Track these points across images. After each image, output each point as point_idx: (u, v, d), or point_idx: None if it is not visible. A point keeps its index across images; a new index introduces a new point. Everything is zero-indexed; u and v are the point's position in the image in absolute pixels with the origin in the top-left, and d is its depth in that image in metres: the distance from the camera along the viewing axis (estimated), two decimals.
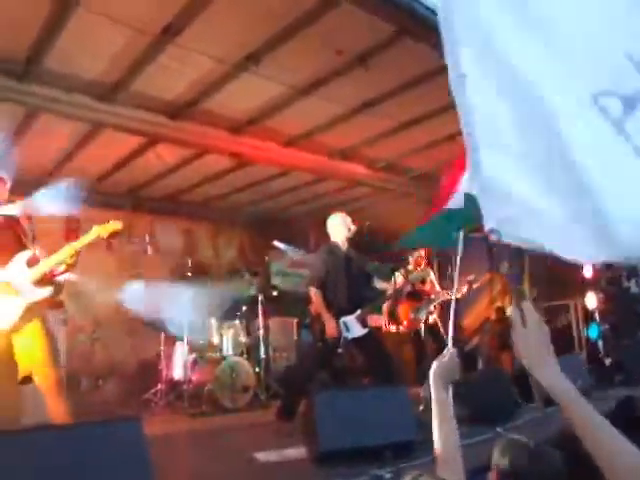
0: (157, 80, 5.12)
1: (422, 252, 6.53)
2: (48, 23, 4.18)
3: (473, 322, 8.73)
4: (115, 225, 3.85)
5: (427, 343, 6.32)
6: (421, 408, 4.69)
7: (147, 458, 2.40)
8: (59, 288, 6.91)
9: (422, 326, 6.26)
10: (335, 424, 3.48)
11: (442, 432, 1.73)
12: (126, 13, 4.20)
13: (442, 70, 5.07)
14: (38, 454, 2.10)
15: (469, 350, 8.31)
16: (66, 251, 3.65)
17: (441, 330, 6.15)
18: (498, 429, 4.14)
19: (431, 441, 3.78)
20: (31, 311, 3.60)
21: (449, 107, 6.04)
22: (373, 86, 5.51)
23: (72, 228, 7.44)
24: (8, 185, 3.87)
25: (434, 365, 1.85)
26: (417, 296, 6.40)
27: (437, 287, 6.45)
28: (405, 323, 6.49)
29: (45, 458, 2.11)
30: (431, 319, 6.29)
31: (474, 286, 5.91)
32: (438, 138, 6.77)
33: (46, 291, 3.68)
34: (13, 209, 3.81)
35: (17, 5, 4.01)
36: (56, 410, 3.55)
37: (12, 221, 3.87)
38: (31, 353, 3.58)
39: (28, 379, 3.71)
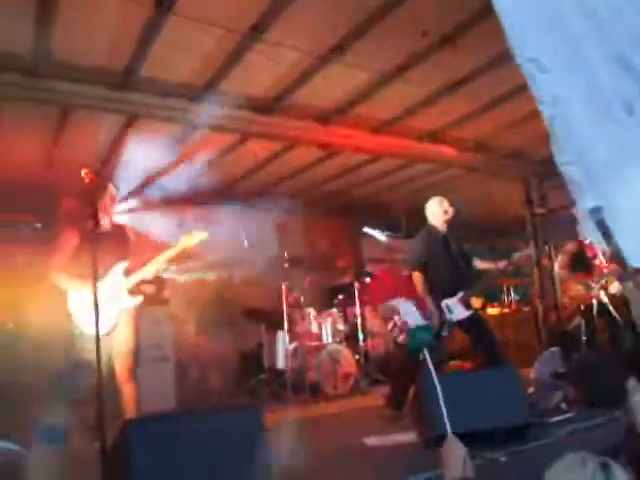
0: (246, 77, 5.21)
1: None
2: (144, 33, 4.36)
3: (573, 300, 8.42)
4: (201, 235, 4.18)
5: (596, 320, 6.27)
6: (531, 390, 4.59)
7: (264, 443, 2.55)
8: (163, 286, 7.31)
9: (594, 302, 6.19)
10: (446, 408, 3.46)
11: None
12: (215, 14, 4.30)
13: None
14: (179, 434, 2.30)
15: (571, 330, 8.02)
16: (157, 262, 4.12)
17: (611, 308, 6.08)
18: (615, 412, 3.99)
19: (546, 424, 3.70)
20: (124, 316, 4.05)
21: None
22: (460, 66, 5.37)
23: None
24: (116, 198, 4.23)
25: None
26: (586, 269, 6.35)
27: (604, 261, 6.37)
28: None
29: (183, 439, 2.30)
30: (602, 295, 6.19)
31: None
32: (527, 113, 6.53)
33: (137, 300, 4.13)
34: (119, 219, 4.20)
35: (115, 20, 4.21)
36: (128, 394, 3.97)
37: (118, 230, 4.25)
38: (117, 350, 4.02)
39: None
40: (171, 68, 5.05)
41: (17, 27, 4.21)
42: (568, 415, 4.24)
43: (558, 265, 6.78)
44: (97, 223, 3.49)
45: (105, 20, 4.20)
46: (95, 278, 3.24)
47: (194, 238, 4.22)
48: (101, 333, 3.64)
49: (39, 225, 7.00)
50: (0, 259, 6.73)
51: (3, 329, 5.40)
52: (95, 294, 3.22)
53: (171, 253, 4.16)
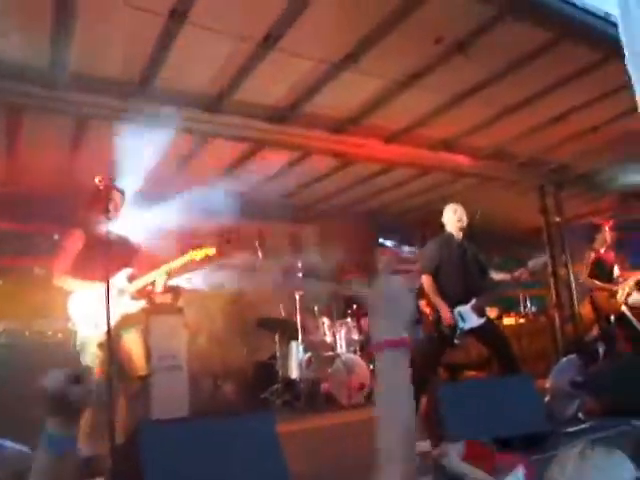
0: (259, 86, 5.24)
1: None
2: (158, 43, 4.41)
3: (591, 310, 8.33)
4: (209, 250, 4.39)
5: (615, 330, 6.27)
6: (547, 399, 4.52)
7: (280, 449, 2.53)
8: (178, 295, 7.34)
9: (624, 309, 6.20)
10: (461, 416, 3.42)
11: None
12: (228, 24, 4.34)
13: (544, 49, 4.85)
14: (192, 440, 2.29)
15: (589, 341, 7.92)
16: (161, 270, 4.16)
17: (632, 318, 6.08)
18: (634, 422, 3.92)
19: (561, 433, 3.63)
20: (127, 320, 4.07)
21: (553, 87, 5.80)
22: (474, 72, 5.36)
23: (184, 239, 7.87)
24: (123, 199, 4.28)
25: None
26: (606, 279, 6.41)
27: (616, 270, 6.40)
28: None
29: (197, 444, 2.29)
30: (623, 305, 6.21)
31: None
32: (543, 121, 6.51)
33: (140, 304, 4.17)
34: (123, 226, 4.27)
35: (131, 31, 4.26)
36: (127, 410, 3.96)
37: (124, 238, 4.31)
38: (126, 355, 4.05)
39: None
40: (185, 78, 5.09)
41: (35, 40, 4.28)
42: (585, 425, 4.17)
43: (584, 274, 6.72)
44: (109, 228, 3.54)
45: (121, 31, 4.25)
46: (106, 280, 3.28)
47: (201, 252, 4.29)
48: (100, 336, 3.70)
49: (57, 236, 7.05)
50: (17, 271, 6.82)
51: (19, 336, 5.45)
52: (107, 295, 3.26)
53: (176, 264, 4.22)
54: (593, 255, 6.68)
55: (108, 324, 3.34)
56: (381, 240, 9.77)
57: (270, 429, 2.62)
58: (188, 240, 7.68)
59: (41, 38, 4.25)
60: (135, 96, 5.13)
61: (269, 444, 2.51)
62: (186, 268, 4.42)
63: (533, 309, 10.08)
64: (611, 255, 6.64)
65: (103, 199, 3.81)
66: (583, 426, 4.13)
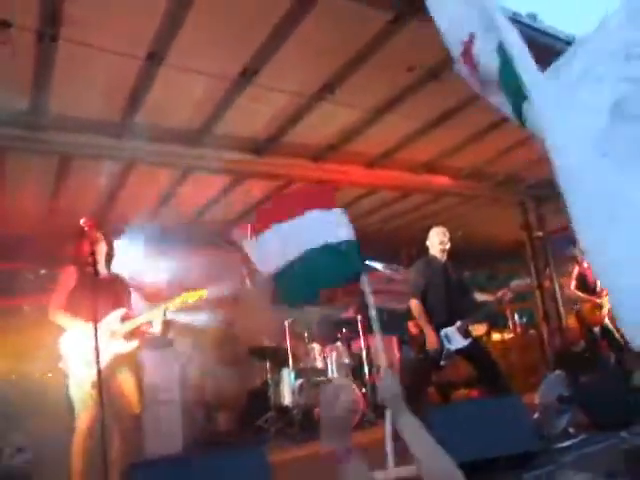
0: (238, 120, 5.33)
1: None
2: (137, 84, 4.50)
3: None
4: (201, 293, 4.42)
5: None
6: (536, 415, 4.57)
7: None
8: (168, 328, 7.34)
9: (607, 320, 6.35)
10: (451, 439, 3.45)
11: (428, 454, 1.66)
12: (204, 63, 4.44)
13: None
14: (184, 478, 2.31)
15: (576, 352, 7.98)
16: (155, 312, 4.21)
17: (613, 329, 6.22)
18: (623, 434, 3.97)
19: (552, 449, 3.68)
20: (121, 359, 4.10)
21: None
22: (448, 97, 5.48)
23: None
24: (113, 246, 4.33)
25: (382, 392, 1.83)
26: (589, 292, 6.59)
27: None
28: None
29: None
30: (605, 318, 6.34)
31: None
32: (520, 139, 6.63)
33: (133, 344, 4.19)
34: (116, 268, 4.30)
35: (110, 73, 4.34)
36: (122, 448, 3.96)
37: (117, 278, 4.34)
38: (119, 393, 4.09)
39: None
40: (165, 116, 5.17)
41: (17, 84, 4.34)
42: (575, 439, 4.22)
43: (570, 286, 6.86)
44: (96, 270, 3.58)
45: (100, 73, 4.33)
46: (95, 321, 3.31)
47: (194, 295, 4.33)
48: (93, 375, 3.68)
49: (44, 271, 7.07)
50: (6, 311, 6.81)
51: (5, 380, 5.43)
52: (96, 335, 3.29)
53: (169, 306, 4.26)
54: (577, 268, 6.79)
55: (98, 364, 3.37)
56: (367, 262, 9.84)
57: (261, 462, 2.64)
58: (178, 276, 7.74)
59: (22, 82, 4.31)
60: (117, 134, 5.20)
61: (261, 478, 2.53)
62: (180, 308, 4.46)
63: (524, 321, 10.15)
64: None
65: (89, 240, 3.85)
66: (574, 440, 4.18)
